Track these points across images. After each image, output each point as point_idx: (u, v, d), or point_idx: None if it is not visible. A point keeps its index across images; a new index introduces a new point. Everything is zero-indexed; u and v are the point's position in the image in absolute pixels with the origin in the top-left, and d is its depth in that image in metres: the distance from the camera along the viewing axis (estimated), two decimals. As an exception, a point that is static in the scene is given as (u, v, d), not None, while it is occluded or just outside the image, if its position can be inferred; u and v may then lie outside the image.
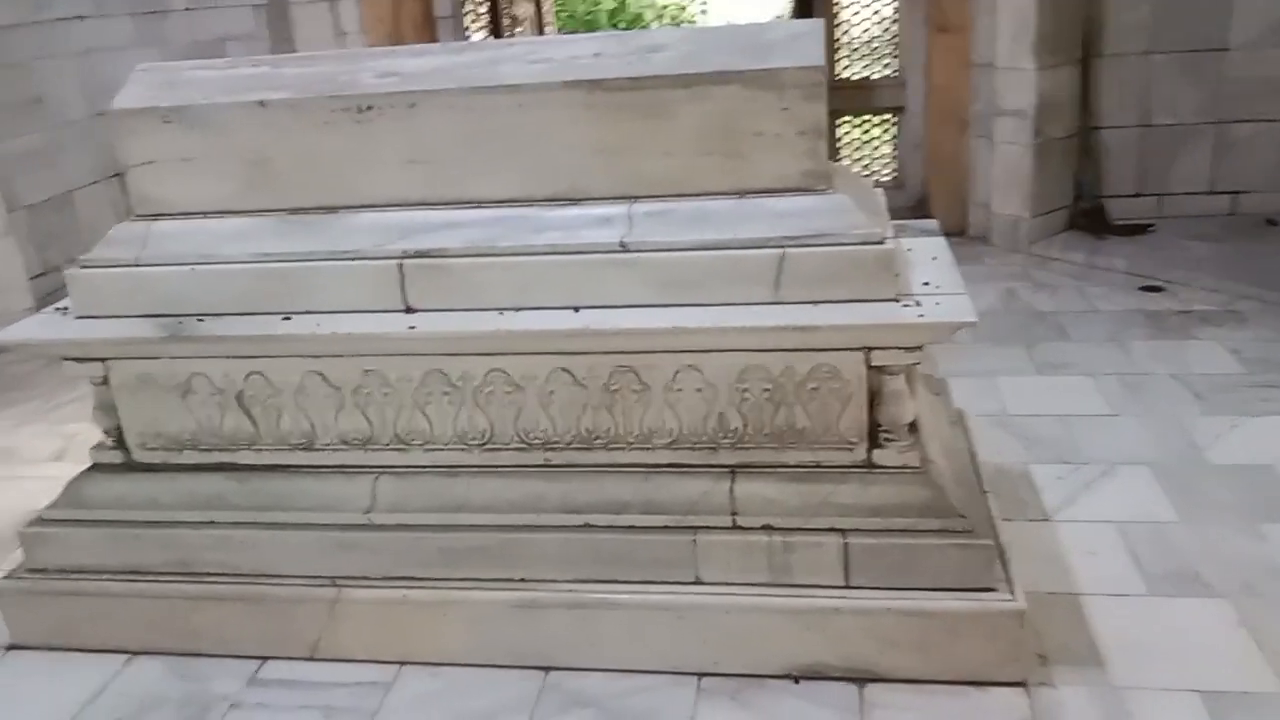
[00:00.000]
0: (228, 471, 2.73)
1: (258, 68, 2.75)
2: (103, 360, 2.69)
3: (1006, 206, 5.72)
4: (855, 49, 6.44)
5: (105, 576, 2.76)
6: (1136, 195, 5.85)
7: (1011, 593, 2.40)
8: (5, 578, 2.83)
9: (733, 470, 2.52)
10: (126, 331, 2.60)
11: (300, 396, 2.64)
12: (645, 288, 2.43)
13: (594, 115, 2.46)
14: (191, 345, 2.59)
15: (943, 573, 2.41)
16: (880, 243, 2.38)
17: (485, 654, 2.59)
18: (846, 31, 6.41)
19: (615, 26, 13.33)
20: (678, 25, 13.69)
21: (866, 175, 6.55)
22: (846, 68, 6.48)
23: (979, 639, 2.39)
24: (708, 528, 2.50)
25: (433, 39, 6.69)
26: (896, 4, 6.21)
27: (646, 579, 2.52)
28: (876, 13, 6.31)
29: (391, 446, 2.64)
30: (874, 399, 2.45)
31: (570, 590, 2.54)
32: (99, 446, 2.81)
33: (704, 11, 14.40)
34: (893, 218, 2.67)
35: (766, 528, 2.48)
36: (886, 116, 6.49)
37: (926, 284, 2.49)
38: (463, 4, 6.97)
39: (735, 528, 2.49)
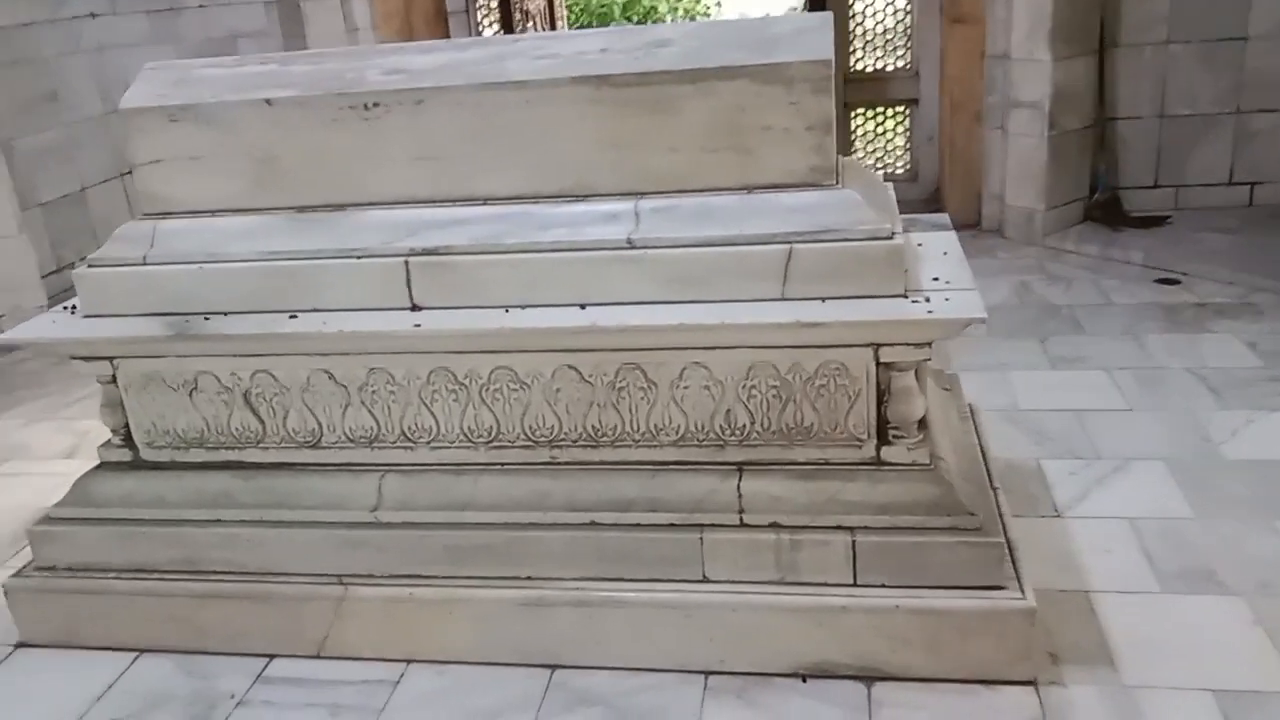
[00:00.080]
0: (234, 470, 2.73)
1: (265, 65, 2.75)
2: (110, 359, 2.70)
3: (1021, 199, 5.68)
4: (869, 40, 6.41)
5: (113, 574, 2.77)
6: (1153, 187, 5.80)
7: (1021, 591, 2.38)
8: (14, 576, 2.84)
9: (740, 467, 2.51)
10: (133, 330, 2.61)
11: (307, 394, 2.64)
12: (652, 284, 2.42)
13: (600, 111, 2.45)
14: (198, 344, 2.59)
15: (952, 571, 2.39)
16: (889, 238, 2.36)
17: (491, 652, 2.59)
18: (860, 23, 6.37)
19: (628, 20, 13.29)
20: (691, 18, 13.65)
21: (879, 168, 6.52)
22: (860, 59, 6.44)
23: (988, 637, 2.37)
24: (714, 525, 2.49)
25: (445, 34, 6.69)
26: (910, -5, 6.17)
27: (653, 577, 2.51)
28: (891, 3, 6.27)
29: (398, 444, 2.64)
30: (882, 395, 2.43)
31: (576, 588, 2.53)
32: (107, 445, 2.82)
33: (719, 4, 14.37)
34: (906, 211, 2.65)
35: (774, 525, 2.46)
36: (900, 108, 6.45)
37: (936, 279, 2.47)
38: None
39: (742, 525, 2.48)
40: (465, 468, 2.63)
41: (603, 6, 13.37)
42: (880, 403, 2.43)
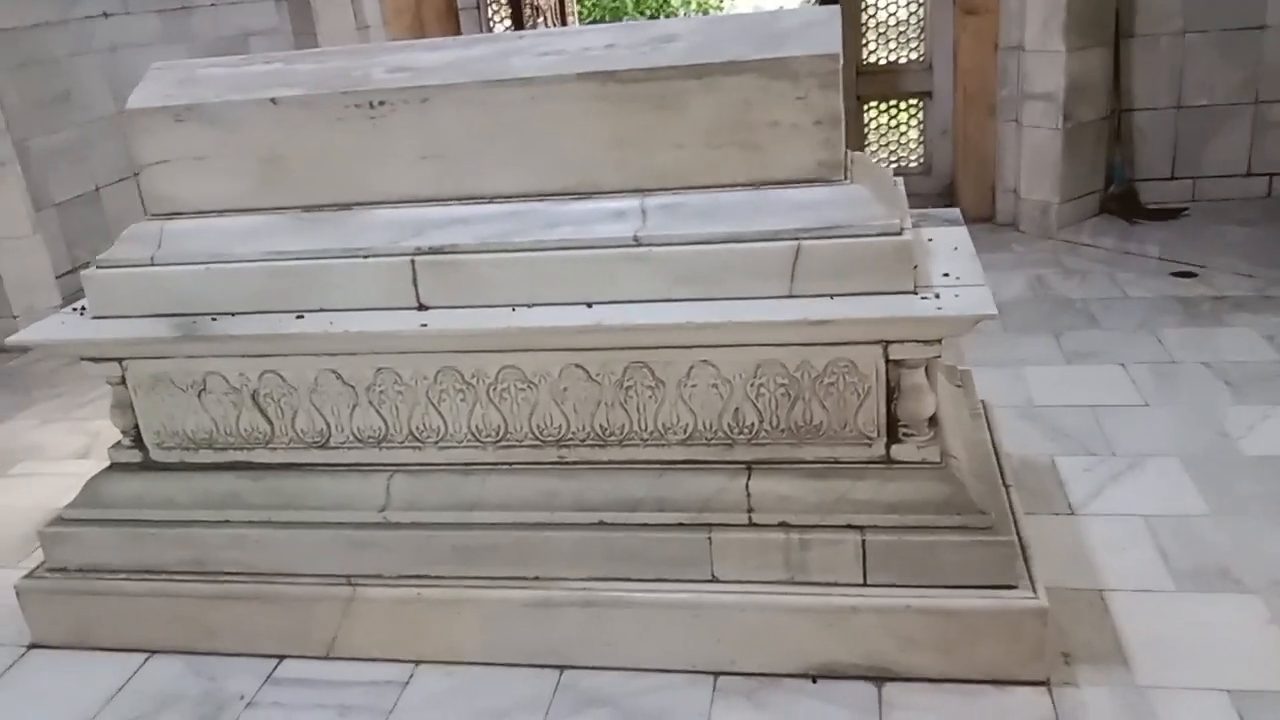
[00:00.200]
0: (243, 470, 2.73)
1: (270, 64, 2.74)
2: (119, 360, 2.70)
3: (1035, 192, 5.63)
4: (882, 33, 6.36)
5: (123, 576, 2.77)
6: (1169, 179, 5.75)
7: (1033, 590, 2.35)
8: (26, 577, 2.84)
9: (748, 466, 2.49)
10: (141, 331, 2.61)
11: (315, 395, 2.63)
12: (658, 282, 2.40)
13: (606, 107, 2.43)
14: (205, 344, 2.59)
15: (963, 570, 2.37)
16: (898, 234, 2.33)
17: (500, 653, 2.58)
18: (873, 15, 6.33)
19: (641, 14, 13.26)
20: (704, 12, 13.61)
21: (893, 162, 6.48)
22: (873, 52, 6.40)
23: (1000, 637, 2.35)
24: (723, 525, 2.47)
25: (456, 30, 6.69)
26: (923, -14, 6.13)
27: (661, 577, 2.50)
28: (903, -5, 6.23)
29: (406, 444, 2.63)
30: (892, 393, 2.41)
31: (584, 588, 2.52)
32: (117, 446, 2.83)
33: (732, -3, 14.33)
34: (920, 204, 2.62)
35: (783, 525, 2.45)
36: (914, 101, 6.41)
37: (946, 275, 2.44)
38: (485, -6, 6.96)
39: (751, 525, 2.46)
40: (473, 467, 2.62)
41: (615, 1, 13.35)
42: (890, 400, 2.41)
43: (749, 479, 2.47)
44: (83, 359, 2.76)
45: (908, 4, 6.24)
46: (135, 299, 2.65)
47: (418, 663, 2.62)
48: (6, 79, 5.33)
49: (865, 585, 2.42)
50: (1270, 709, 2.26)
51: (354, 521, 2.64)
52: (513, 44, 2.62)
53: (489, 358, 2.52)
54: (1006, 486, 2.72)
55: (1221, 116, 5.63)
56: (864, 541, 2.40)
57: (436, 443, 2.62)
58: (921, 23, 6.25)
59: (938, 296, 2.31)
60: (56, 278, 5.43)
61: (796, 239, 2.34)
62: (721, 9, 14.62)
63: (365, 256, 2.53)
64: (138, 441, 2.79)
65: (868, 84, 6.41)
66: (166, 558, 2.76)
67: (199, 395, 2.69)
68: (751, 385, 2.43)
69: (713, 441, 2.49)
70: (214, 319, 2.59)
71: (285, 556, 2.68)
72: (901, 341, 2.34)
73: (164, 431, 2.76)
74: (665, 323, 2.36)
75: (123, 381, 2.73)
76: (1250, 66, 5.53)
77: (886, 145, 6.54)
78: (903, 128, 6.50)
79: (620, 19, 13.30)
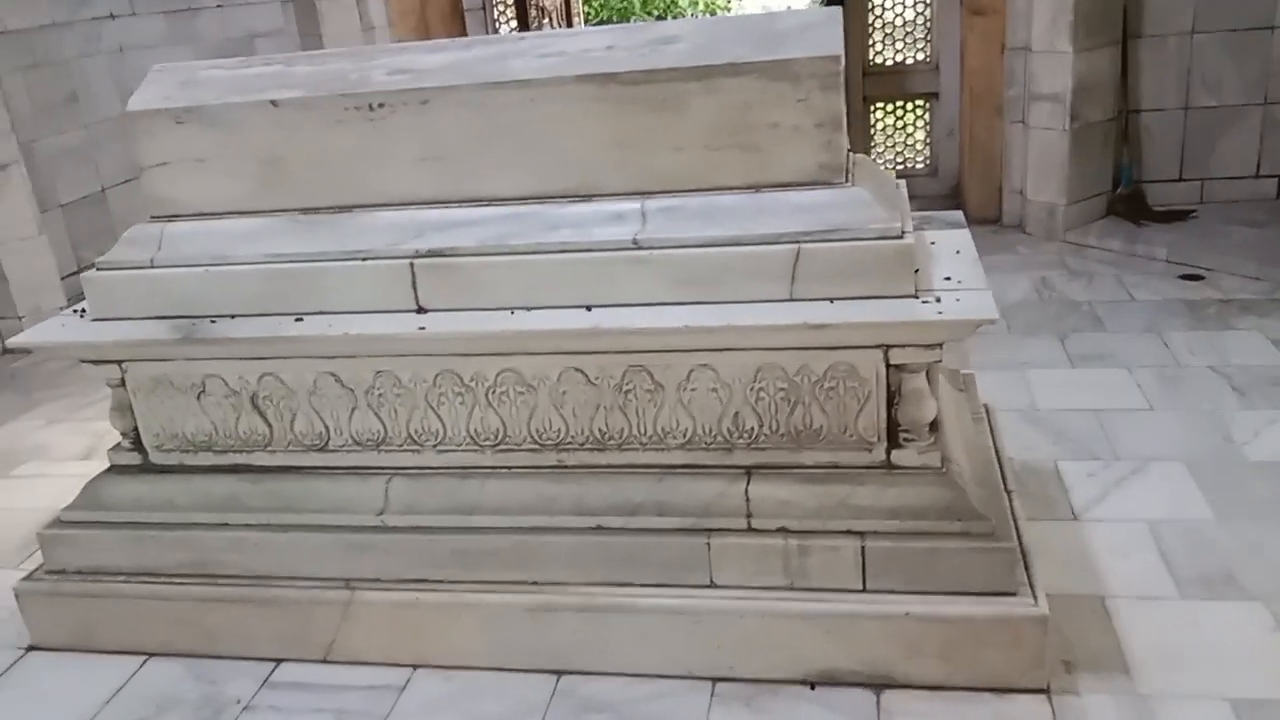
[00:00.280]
0: (242, 473, 2.73)
1: (270, 66, 2.74)
2: (119, 362, 2.70)
3: (1042, 193, 5.60)
4: (889, 33, 6.34)
5: (123, 578, 2.77)
6: (1177, 180, 5.70)
7: (1034, 597, 2.34)
8: (25, 579, 2.85)
9: (748, 471, 2.47)
10: (140, 334, 2.60)
11: (314, 397, 2.63)
12: (658, 285, 2.39)
13: (606, 109, 2.42)
14: (204, 347, 2.58)
15: (963, 576, 2.35)
16: (899, 237, 2.32)
17: (498, 657, 2.57)
18: (880, 15, 6.31)
19: (649, 14, 13.25)
20: (711, 13, 13.58)
21: (899, 163, 6.46)
22: (880, 53, 6.37)
23: (1000, 645, 2.33)
24: (722, 530, 2.46)
25: (461, 31, 6.68)
26: (930, -14, 6.10)
27: (660, 582, 2.49)
28: (910, -5, 6.20)
29: (404, 447, 2.63)
30: (893, 398, 2.39)
31: (583, 593, 2.51)
32: (116, 448, 2.83)
33: (740, -2, 14.30)
34: (926, 205, 2.60)
35: (782, 530, 2.43)
36: (920, 102, 6.38)
37: (948, 279, 2.43)
38: (491, -5, 6.95)
39: (750, 530, 2.45)
40: (472, 471, 2.61)
41: (623, 1, 13.33)
42: (890, 405, 2.39)
43: (748, 484, 2.46)
44: (83, 361, 2.76)
45: (914, 4, 6.21)
46: (135, 301, 2.65)
47: (415, 667, 2.61)
48: (14, 80, 5.35)
49: (865, 591, 2.40)
50: (1274, 718, 2.23)
51: (352, 525, 2.63)
52: (512, 46, 2.61)
53: (488, 361, 2.51)
54: (1008, 491, 2.71)
55: (1230, 117, 5.59)
56: (864, 547, 2.39)
57: (435, 446, 2.61)
58: (928, 23, 6.22)
59: (939, 300, 2.30)
60: (62, 279, 5.45)
61: (797, 242, 2.32)
62: (729, 10, 14.58)
63: (364, 259, 2.52)
64: (137, 444, 2.79)
65: (874, 85, 6.39)
66: (165, 560, 2.75)
67: (198, 398, 2.69)
68: (751, 389, 2.42)
69: (712, 446, 2.48)
70: (213, 321, 2.58)
71: (284, 559, 2.67)
72: (902, 346, 2.33)
73: (163, 434, 2.76)
74: (664, 326, 2.34)
75: (122, 384, 2.73)
76: (1259, 67, 5.49)
77: (893, 146, 6.51)
78: (909, 129, 6.47)
79: (628, 19, 13.28)
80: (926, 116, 6.38)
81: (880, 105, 6.46)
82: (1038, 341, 4.25)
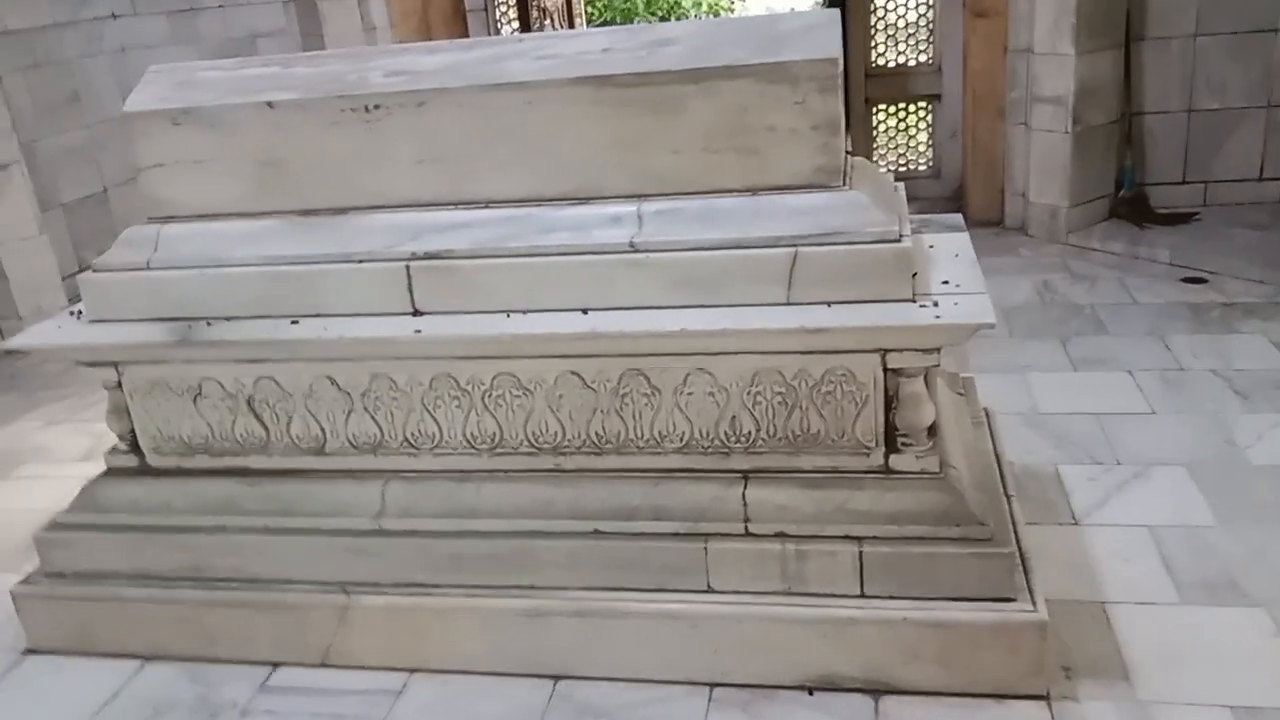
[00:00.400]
0: (239, 476, 2.72)
1: (267, 68, 2.73)
2: (115, 365, 2.69)
3: (1044, 196, 5.59)
4: (891, 35, 6.32)
5: (120, 581, 2.76)
6: (1181, 183, 5.69)
7: (1033, 603, 2.32)
8: (22, 583, 2.84)
9: (745, 475, 2.46)
10: (136, 336, 2.60)
11: (310, 400, 2.62)
12: (655, 288, 2.38)
13: (603, 112, 2.41)
14: (201, 349, 2.57)
15: (961, 582, 2.34)
16: (896, 241, 2.30)
17: (495, 662, 2.56)
18: (882, 17, 6.29)
19: (652, 15, 13.24)
20: (715, 13, 13.57)
21: (901, 165, 6.44)
22: (882, 54, 6.36)
23: (998, 651, 2.32)
24: (719, 534, 2.44)
25: (463, 32, 6.67)
26: (932, -12, 6.09)
27: (657, 587, 2.48)
28: (913, -3, 6.19)
29: (401, 451, 2.62)
30: (891, 402, 2.38)
31: (580, 598, 2.50)
32: (113, 451, 2.82)
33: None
34: (929, 208, 2.59)
35: (780, 535, 2.42)
36: (922, 104, 6.37)
37: (946, 283, 2.41)
38: (493, -4, 6.94)
39: (748, 534, 2.43)
40: (469, 475, 2.60)
41: (626, 2, 13.32)
42: (888, 409, 2.38)
43: (746, 488, 2.44)
44: (79, 364, 2.75)
45: (917, 6, 6.20)
46: (131, 303, 2.64)
47: (413, 671, 2.60)
48: (16, 80, 5.35)
49: (863, 596, 2.39)
50: (1274, 725, 2.23)
51: (349, 528, 2.62)
52: (509, 48, 2.60)
53: (484, 364, 2.50)
54: (1008, 496, 2.69)
55: (1233, 120, 5.57)
56: (861, 552, 2.38)
57: (432, 449, 2.60)
58: (930, 25, 6.21)
59: (936, 305, 2.28)
60: (63, 279, 5.45)
61: (794, 245, 2.31)
62: (733, 10, 14.56)
63: (360, 261, 2.51)
64: (134, 446, 2.79)
65: (876, 86, 6.37)
66: (163, 563, 2.75)
67: (195, 400, 2.68)
68: (748, 393, 2.41)
69: (709, 450, 2.47)
70: (209, 324, 2.57)
71: (281, 563, 2.67)
72: (899, 350, 2.31)
73: (160, 436, 2.75)
74: (661, 330, 2.33)
75: (119, 386, 2.72)
76: (1263, 69, 5.47)
77: (895, 148, 6.49)
78: (911, 131, 6.45)
79: (631, 20, 13.27)
80: (929, 118, 6.36)
81: (883, 107, 6.45)
82: (1039, 344, 4.23)
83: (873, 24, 6.29)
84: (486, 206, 2.51)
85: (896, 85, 6.37)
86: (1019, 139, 5.68)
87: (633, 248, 2.39)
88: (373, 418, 2.60)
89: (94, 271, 2.68)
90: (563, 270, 2.41)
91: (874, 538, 2.38)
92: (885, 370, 2.34)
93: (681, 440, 2.47)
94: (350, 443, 2.64)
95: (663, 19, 13.37)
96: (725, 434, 2.45)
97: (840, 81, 2.34)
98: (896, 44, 6.33)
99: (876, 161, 6.43)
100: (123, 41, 6.07)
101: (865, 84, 6.33)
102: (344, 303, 2.53)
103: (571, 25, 7.26)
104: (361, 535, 2.62)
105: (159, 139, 2.64)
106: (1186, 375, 3.84)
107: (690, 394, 2.43)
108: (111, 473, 2.83)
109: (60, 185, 5.58)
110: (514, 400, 2.51)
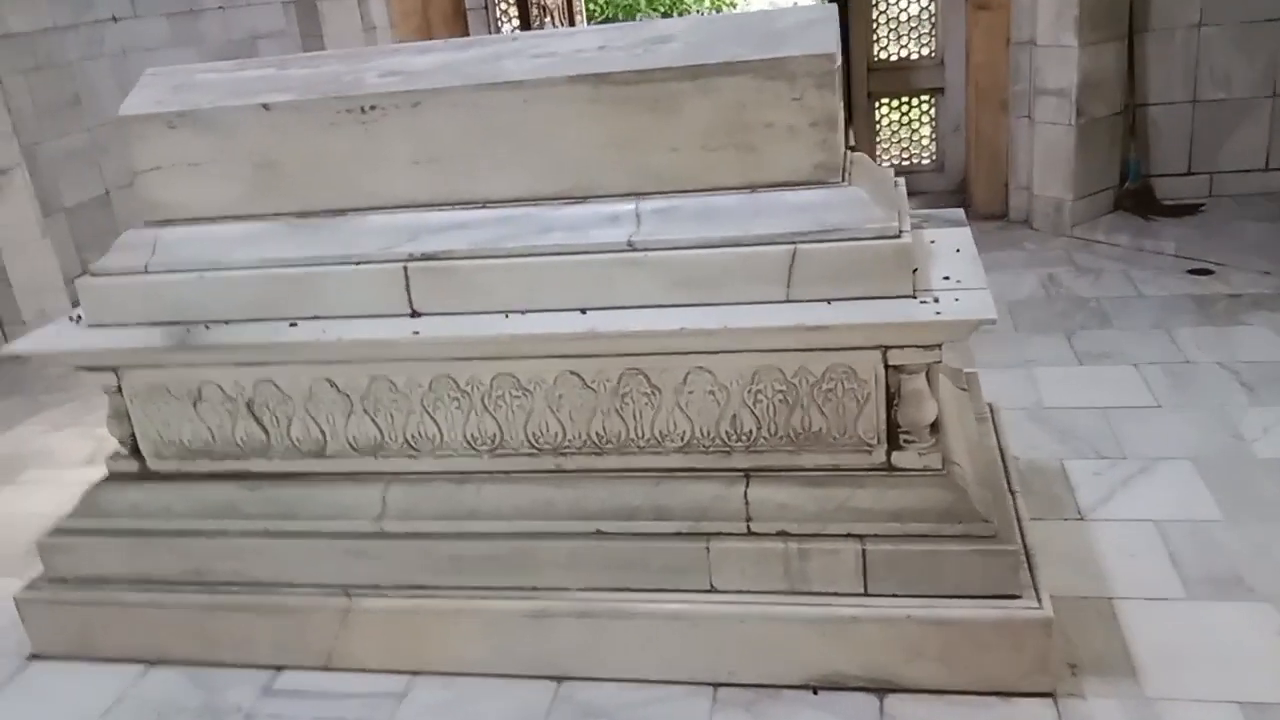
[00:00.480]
0: (240, 480, 2.71)
1: (263, 69, 2.72)
2: (114, 369, 2.69)
3: (1048, 189, 5.56)
4: (893, 29, 6.30)
5: (122, 586, 2.76)
6: (1186, 174, 5.66)
7: (1038, 600, 2.31)
8: (26, 588, 2.84)
9: (747, 474, 2.45)
10: (135, 341, 2.59)
11: (310, 403, 2.61)
12: (654, 287, 2.36)
13: (600, 110, 2.40)
14: (199, 353, 2.57)
15: (965, 579, 2.32)
16: (896, 236, 2.29)
17: (497, 664, 2.55)
18: (884, 11, 6.27)
19: (655, 12, 13.21)
20: (718, 9, 13.54)
21: (905, 159, 6.42)
22: (884, 48, 6.33)
23: (1004, 648, 2.30)
24: (721, 534, 2.43)
25: (464, 31, 6.67)
26: (935, -19, 6.06)
27: (659, 587, 2.46)
28: (914, -10, 6.16)
29: (401, 453, 2.61)
30: (892, 399, 2.36)
31: (582, 599, 2.49)
32: (114, 456, 2.82)
33: (746, -6, 14.23)
34: (933, 202, 2.58)
35: (782, 534, 2.40)
36: (925, 98, 6.35)
37: (947, 278, 2.39)
38: (493, -6, 6.93)
39: (750, 534, 2.42)
40: (469, 476, 2.59)
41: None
42: (890, 406, 2.37)
43: (747, 487, 2.43)
44: (78, 368, 2.75)
45: (919, -1, 6.18)
46: (129, 307, 2.63)
47: (415, 674, 2.59)
48: (16, 83, 5.34)
49: (866, 595, 2.38)
50: (1282, 721, 2.21)
51: (350, 531, 2.61)
52: (505, 46, 2.59)
53: (483, 365, 2.49)
54: (1013, 492, 2.68)
55: (1239, 110, 5.54)
56: (864, 550, 2.36)
57: (432, 451, 2.59)
58: (933, 18, 6.18)
59: (937, 301, 2.27)
60: (66, 282, 5.43)
61: (793, 243, 2.29)
62: (734, 7, 14.53)
63: (358, 263, 2.50)
64: (135, 451, 2.78)
65: (879, 80, 6.35)
66: (166, 568, 2.74)
67: (194, 404, 2.67)
68: (749, 391, 2.39)
69: (710, 449, 2.45)
70: (208, 327, 2.56)
71: (282, 566, 2.66)
72: (900, 347, 2.30)
73: (160, 441, 2.74)
74: (661, 329, 2.32)
75: (119, 391, 2.72)
76: (1268, 59, 5.44)
77: (898, 142, 6.47)
78: (914, 124, 6.43)
79: (634, 17, 13.25)
80: (932, 112, 6.34)
81: (885, 101, 6.43)
82: (1044, 339, 4.21)
83: (875, 18, 6.28)
84: (484, 206, 2.50)
85: (899, 79, 6.35)
86: (1022, 132, 5.65)
87: (631, 246, 2.37)
88: (372, 420, 2.59)
89: (92, 276, 2.68)
90: (561, 270, 2.40)
91: (877, 536, 2.36)
92: (886, 367, 2.33)
93: (682, 439, 2.46)
94: (350, 445, 2.63)
95: (665, 15, 13.34)
96: (726, 433, 2.43)
97: (838, 77, 2.33)
98: (899, 38, 6.31)
99: (880, 156, 6.41)
100: (124, 44, 6.05)
101: (868, 78, 6.32)
102: (342, 305, 2.52)
103: (572, 23, 7.24)
104: (362, 538, 2.61)
105: (155, 142, 2.63)
106: (1192, 368, 3.82)
107: (691, 393, 2.42)
108: (113, 477, 2.83)
109: (62, 188, 5.57)
110: (514, 401, 2.50)
